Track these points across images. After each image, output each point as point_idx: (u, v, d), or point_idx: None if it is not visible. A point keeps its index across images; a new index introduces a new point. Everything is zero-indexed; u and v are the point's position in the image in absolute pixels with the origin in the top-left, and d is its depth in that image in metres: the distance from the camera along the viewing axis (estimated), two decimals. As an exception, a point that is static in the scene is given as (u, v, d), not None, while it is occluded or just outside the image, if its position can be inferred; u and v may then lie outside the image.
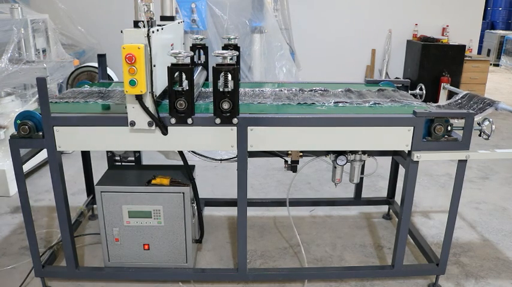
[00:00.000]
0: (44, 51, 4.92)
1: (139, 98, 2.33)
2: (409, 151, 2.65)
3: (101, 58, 3.49)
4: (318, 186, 4.60)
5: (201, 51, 3.42)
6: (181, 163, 2.97)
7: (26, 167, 4.52)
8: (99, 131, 2.51)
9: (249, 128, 2.51)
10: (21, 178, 2.60)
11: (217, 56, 2.39)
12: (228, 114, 2.45)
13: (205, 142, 2.55)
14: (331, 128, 2.56)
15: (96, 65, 3.69)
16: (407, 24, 8.42)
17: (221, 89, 2.40)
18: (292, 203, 3.87)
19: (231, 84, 2.38)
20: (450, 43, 8.07)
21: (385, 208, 4.04)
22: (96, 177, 3.75)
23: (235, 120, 2.46)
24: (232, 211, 3.89)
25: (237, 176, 2.62)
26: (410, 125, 2.58)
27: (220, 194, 4.14)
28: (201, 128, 2.50)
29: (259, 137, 2.53)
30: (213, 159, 2.83)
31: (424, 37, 8.15)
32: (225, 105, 2.43)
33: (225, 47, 3.35)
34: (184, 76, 2.36)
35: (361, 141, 2.64)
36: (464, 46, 8.02)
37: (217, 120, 2.46)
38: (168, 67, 2.36)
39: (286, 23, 6.96)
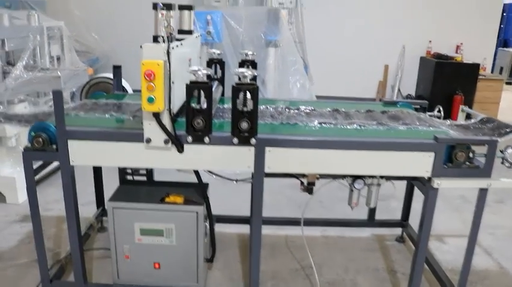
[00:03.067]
0: (58, 58, 4.90)
1: (156, 115, 2.28)
2: (429, 177, 2.59)
3: (116, 70, 3.45)
4: (330, 205, 4.52)
5: (218, 65, 3.37)
6: (194, 179, 2.91)
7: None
8: (114, 146, 2.46)
9: (267, 149, 2.45)
10: (33, 191, 2.56)
11: (237, 75, 2.35)
12: (246, 134, 2.40)
13: (221, 162, 2.50)
14: (351, 151, 2.50)
15: (110, 75, 3.66)
16: (421, 40, 8.39)
17: (240, 109, 2.35)
18: (304, 223, 3.79)
19: (250, 104, 2.33)
20: (464, 61, 8.01)
21: (398, 230, 3.96)
22: (107, 188, 3.71)
23: (253, 141, 2.41)
24: (243, 228, 3.82)
25: (253, 198, 2.56)
26: (431, 150, 2.52)
27: (231, 211, 4.07)
28: (218, 147, 2.45)
29: (277, 159, 2.48)
30: (228, 179, 2.78)
31: (438, 54, 8.11)
32: (244, 125, 2.37)
33: (242, 63, 3.31)
34: (202, 94, 2.32)
35: (380, 167, 2.58)
36: (478, 65, 7.98)
37: (235, 140, 2.41)
38: (186, 85, 2.31)
39: (301, 37, 6.95)
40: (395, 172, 2.63)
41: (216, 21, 5.04)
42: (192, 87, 2.31)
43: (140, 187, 2.95)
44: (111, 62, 7.16)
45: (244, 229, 3.82)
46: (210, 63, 3.34)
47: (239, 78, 2.36)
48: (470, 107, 8.04)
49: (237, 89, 2.31)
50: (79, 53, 6.00)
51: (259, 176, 2.50)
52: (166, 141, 2.37)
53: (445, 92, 7.92)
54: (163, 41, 2.26)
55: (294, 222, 3.77)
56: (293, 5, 6.75)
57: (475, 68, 7.94)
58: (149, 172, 3.41)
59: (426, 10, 8.19)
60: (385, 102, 3.59)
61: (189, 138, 2.39)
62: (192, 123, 2.37)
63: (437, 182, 2.54)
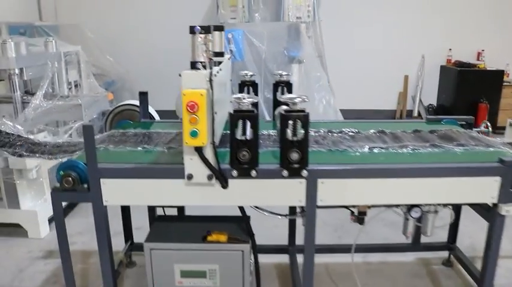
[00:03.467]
0: (76, 85, 4.73)
1: (198, 149, 2.07)
2: (494, 204, 2.35)
3: (143, 96, 3.25)
4: (369, 227, 4.26)
5: (250, 88, 3.18)
6: (231, 211, 2.68)
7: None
8: (151, 184, 2.25)
9: (319, 180, 2.23)
10: (64, 235, 2.36)
11: (286, 101, 2.14)
12: (296, 165, 2.18)
13: (270, 196, 2.28)
14: (411, 179, 2.27)
15: (134, 102, 3.48)
16: (440, 49, 8.19)
17: (289, 138, 2.14)
18: (345, 249, 3.57)
19: (300, 133, 2.12)
20: (487, 68, 7.78)
21: (444, 253, 3.70)
22: (134, 219, 3.51)
23: (304, 173, 2.19)
24: (280, 258, 3.60)
25: (304, 236, 2.34)
26: (497, 174, 2.29)
27: (265, 239, 3.85)
28: (266, 181, 2.23)
29: (331, 191, 2.26)
30: (277, 214, 2.57)
31: (460, 63, 7.89)
32: (294, 156, 2.16)
33: (276, 85, 3.12)
34: (248, 124, 2.11)
35: (441, 194, 2.35)
36: (502, 71, 7.77)
37: (285, 173, 2.19)
38: (230, 114, 2.11)
39: (320, 50, 6.75)
40: (457, 199, 2.41)
41: (238, 40, 4.86)
42: (237, 117, 2.10)
43: (176, 223, 2.72)
44: (127, 84, 7.03)
45: (282, 258, 3.60)
46: (242, 86, 3.15)
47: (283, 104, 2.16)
48: (496, 115, 7.79)
49: (286, 118, 2.11)
50: (95, 76, 5.84)
51: (311, 210, 2.28)
52: (209, 177, 2.15)
53: (469, 100, 7.71)
54: (204, 68, 2.06)
55: (334, 249, 3.55)
56: (311, 18, 6.58)
57: (498, 74, 7.74)
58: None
59: (444, 18, 8.00)
60: (429, 120, 3.37)
61: (234, 173, 2.18)
62: (236, 155, 2.15)
63: (506, 209, 2.31)
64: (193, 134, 1.98)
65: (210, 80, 2.01)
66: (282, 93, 3.16)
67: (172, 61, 7.64)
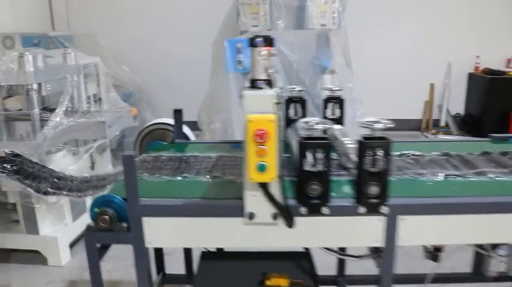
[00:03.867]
0: (95, 100, 4.41)
1: (264, 185, 1.75)
2: None
3: (177, 114, 2.94)
4: (417, 252, 3.91)
5: (298, 105, 2.84)
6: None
7: (76, 231, 4.00)
8: (203, 223, 1.92)
9: (399, 217, 1.89)
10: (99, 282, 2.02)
11: (363, 126, 1.81)
12: (375, 201, 1.85)
13: (341, 236, 1.94)
14: (504, 215, 1.93)
15: (165, 120, 3.16)
16: (467, 56, 7.88)
17: (368, 169, 1.81)
18: (397, 280, 3.22)
19: (381, 164, 1.79)
20: (520, 75, 7.47)
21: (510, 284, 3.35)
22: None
23: (384, 209, 1.86)
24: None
25: (381, 278, 2.00)
26: None
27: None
28: (337, 218, 1.89)
29: (412, 229, 1.92)
30: (351, 256, 2.23)
31: (489, 70, 7.58)
32: (373, 190, 1.83)
33: (327, 100, 2.79)
34: (320, 154, 1.78)
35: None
36: (535, 78, 7.41)
37: (362, 210, 1.85)
38: (299, 142, 1.78)
39: (347, 59, 6.42)
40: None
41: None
42: (307, 146, 1.78)
43: (225, 262, 2.37)
44: (144, 95, 6.74)
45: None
46: (289, 101, 2.82)
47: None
48: (529, 123, 7.46)
49: (366, 146, 1.77)
50: (112, 88, 5.56)
51: (390, 252, 1.94)
52: (275, 216, 1.82)
53: (500, 109, 7.42)
54: (270, 87, 1.74)
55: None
56: (336, 26, 6.26)
57: (532, 82, 7.40)
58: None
59: (471, 25, 7.68)
60: (494, 139, 3.02)
61: (303, 210, 1.84)
62: (305, 189, 1.82)
63: None
64: (262, 168, 1.65)
65: (279, 103, 1.69)
66: (333, 111, 2.83)
67: (191, 70, 7.36)
